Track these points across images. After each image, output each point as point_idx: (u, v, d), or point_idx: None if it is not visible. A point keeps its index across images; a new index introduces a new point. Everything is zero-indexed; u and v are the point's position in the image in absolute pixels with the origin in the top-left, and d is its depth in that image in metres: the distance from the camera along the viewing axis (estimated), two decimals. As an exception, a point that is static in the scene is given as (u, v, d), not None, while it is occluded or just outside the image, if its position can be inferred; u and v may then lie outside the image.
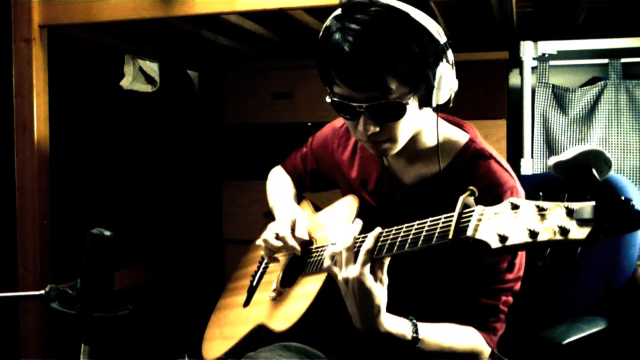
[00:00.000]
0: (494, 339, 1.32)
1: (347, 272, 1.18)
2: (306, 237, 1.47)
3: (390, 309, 1.22)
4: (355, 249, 1.19)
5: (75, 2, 1.92)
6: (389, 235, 1.19)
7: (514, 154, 2.58)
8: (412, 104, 1.23)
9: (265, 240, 1.49)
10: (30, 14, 1.93)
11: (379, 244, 1.18)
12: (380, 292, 1.17)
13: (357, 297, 1.17)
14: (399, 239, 1.16)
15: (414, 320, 1.24)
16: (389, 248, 1.17)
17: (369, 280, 1.16)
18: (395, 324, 1.21)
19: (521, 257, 1.31)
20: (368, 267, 1.17)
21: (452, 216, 1.06)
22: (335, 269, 1.21)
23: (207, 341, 1.61)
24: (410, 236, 1.14)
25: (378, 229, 1.20)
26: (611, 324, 1.51)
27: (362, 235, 1.22)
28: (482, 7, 2.21)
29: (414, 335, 1.22)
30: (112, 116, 2.53)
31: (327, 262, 1.23)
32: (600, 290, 1.59)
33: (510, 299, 1.32)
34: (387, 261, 1.19)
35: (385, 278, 1.19)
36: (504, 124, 2.51)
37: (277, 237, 1.47)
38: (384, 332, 1.19)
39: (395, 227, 1.19)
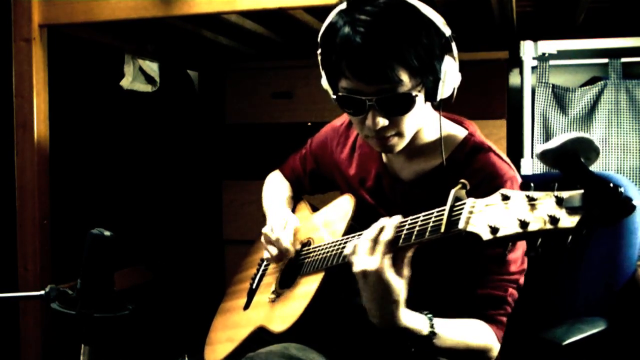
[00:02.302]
0: (501, 334, 1.30)
1: (366, 263, 1.12)
2: (290, 239, 1.48)
3: None
4: (375, 240, 1.14)
5: (75, 2, 1.92)
6: None
7: (514, 154, 2.58)
8: (420, 96, 1.23)
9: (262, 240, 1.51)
10: (30, 13, 1.93)
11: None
12: (400, 286, 1.11)
13: (375, 291, 1.12)
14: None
15: (430, 315, 1.20)
16: None
17: (388, 273, 1.10)
18: (412, 319, 1.16)
19: (524, 250, 1.31)
20: (388, 258, 1.11)
21: (444, 210, 1.06)
22: (353, 258, 1.15)
23: (209, 345, 1.61)
24: (404, 231, 1.13)
25: (399, 217, 1.15)
26: (611, 325, 1.50)
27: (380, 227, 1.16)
28: (482, 7, 2.21)
29: (431, 330, 1.18)
30: (112, 116, 2.53)
31: (348, 249, 1.17)
32: (600, 291, 1.59)
33: (516, 293, 1.30)
34: (410, 253, 1.13)
35: (406, 271, 1.13)
36: (504, 124, 2.50)
37: (267, 240, 1.49)
38: (401, 327, 1.15)
39: None
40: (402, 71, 1.18)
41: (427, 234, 1.08)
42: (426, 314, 1.20)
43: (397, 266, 1.12)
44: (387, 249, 1.11)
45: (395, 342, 1.20)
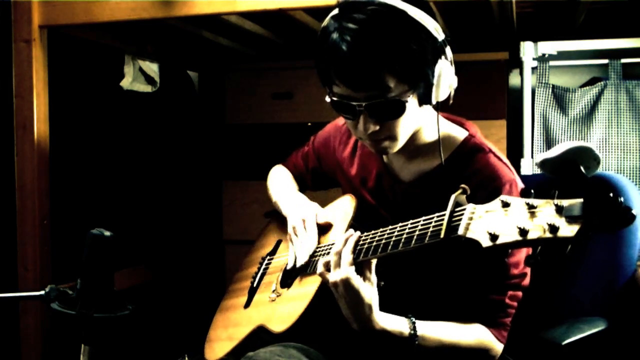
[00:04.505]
0: (504, 334, 1.31)
1: (335, 275, 1.20)
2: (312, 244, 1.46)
3: (396, 309, 1.23)
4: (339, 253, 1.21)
5: (75, 2, 1.92)
6: (383, 235, 1.19)
7: (514, 154, 2.58)
8: (412, 101, 1.23)
9: (294, 228, 1.48)
10: (30, 14, 1.93)
11: (374, 244, 1.19)
12: (369, 291, 1.18)
13: (347, 299, 1.19)
14: (393, 238, 1.16)
15: (412, 318, 1.24)
16: (383, 248, 1.17)
17: (355, 280, 1.17)
18: (391, 322, 1.21)
19: (527, 253, 1.30)
20: (352, 268, 1.18)
21: (444, 215, 1.06)
22: (326, 275, 1.23)
23: (209, 342, 1.61)
24: (404, 235, 1.14)
25: (357, 233, 1.23)
26: (611, 325, 1.50)
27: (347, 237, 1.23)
28: (482, 8, 2.21)
29: (412, 332, 1.21)
30: (112, 116, 2.53)
31: (320, 269, 1.25)
32: (600, 291, 1.59)
33: (519, 293, 1.31)
34: (374, 261, 1.20)
35: (373, 277, 1.20)
36: (504, 124, 2.50)
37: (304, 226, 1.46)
38: (380, 330, 1.20)
39: (390, 227, 1.19)
40: (390, 78, 1.18)
41: (427, 238, 1.09)
42: (409, 317, 1.24)
43: (364, 273, 1.20)
44: (349, 260, 1.19)
45: (379, 344, 1.22)
